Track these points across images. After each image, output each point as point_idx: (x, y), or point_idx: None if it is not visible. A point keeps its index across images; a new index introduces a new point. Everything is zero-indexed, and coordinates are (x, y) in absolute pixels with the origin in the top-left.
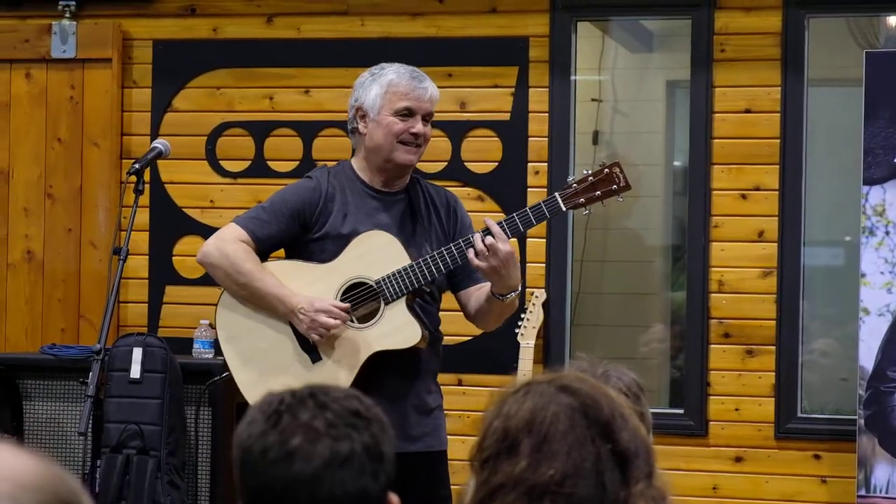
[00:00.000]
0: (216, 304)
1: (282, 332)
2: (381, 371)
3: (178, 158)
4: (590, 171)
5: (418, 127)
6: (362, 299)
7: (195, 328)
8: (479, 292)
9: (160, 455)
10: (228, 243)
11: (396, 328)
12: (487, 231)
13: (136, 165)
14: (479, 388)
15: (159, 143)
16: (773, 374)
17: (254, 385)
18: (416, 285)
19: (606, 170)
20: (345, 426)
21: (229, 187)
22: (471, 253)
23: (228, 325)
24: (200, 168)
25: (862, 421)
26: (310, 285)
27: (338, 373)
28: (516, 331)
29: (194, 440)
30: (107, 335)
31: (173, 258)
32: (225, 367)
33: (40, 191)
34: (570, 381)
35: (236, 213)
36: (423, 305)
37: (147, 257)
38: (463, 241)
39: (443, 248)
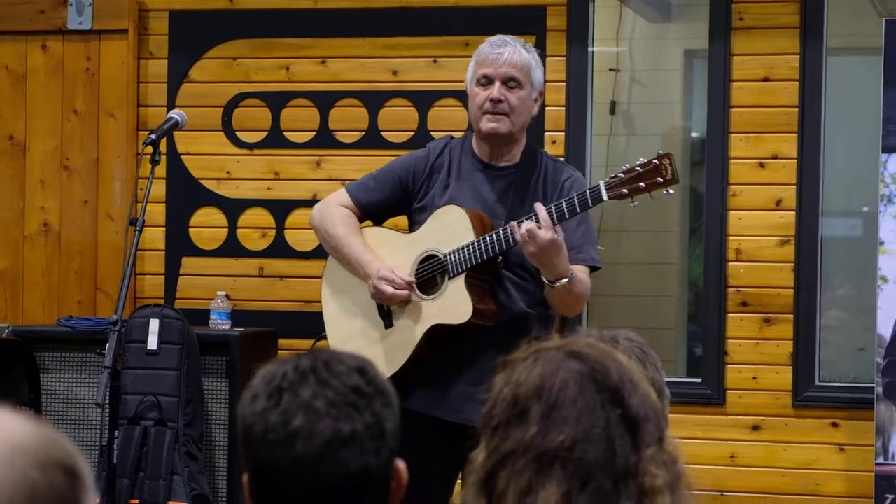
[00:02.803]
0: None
1: (365, 297)
2: (451, 343)
3: (194, 130)
4: (641, 161)
5: (494, 92)
6: (435, 272)
7: (212, 299)
8: None
9: (177, 426)
10: (329, 207)
11: (452, 304)
12: (536, 216)
13: (153, 136)
14: None
15: (175, 114)
16: (791, 342)
17: (340, 346)
18: (476, 262)
19: (655, 161)
20: (346, 405)
21: (245, 158)
22: (517, 236)
23: (326, 288)
24: (217, 139)
25: (880, 389)
26: (393, 254)
27: (402, 342)
28: None
29: (211, 411)
30: (123, 307)
31: (189, 229)
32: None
33: (56, 163)
34: (580, 347)
35: (252, 185)
36: (518, 283)
37: (164, 229)
38: (514, 224)
39: (500, 228)
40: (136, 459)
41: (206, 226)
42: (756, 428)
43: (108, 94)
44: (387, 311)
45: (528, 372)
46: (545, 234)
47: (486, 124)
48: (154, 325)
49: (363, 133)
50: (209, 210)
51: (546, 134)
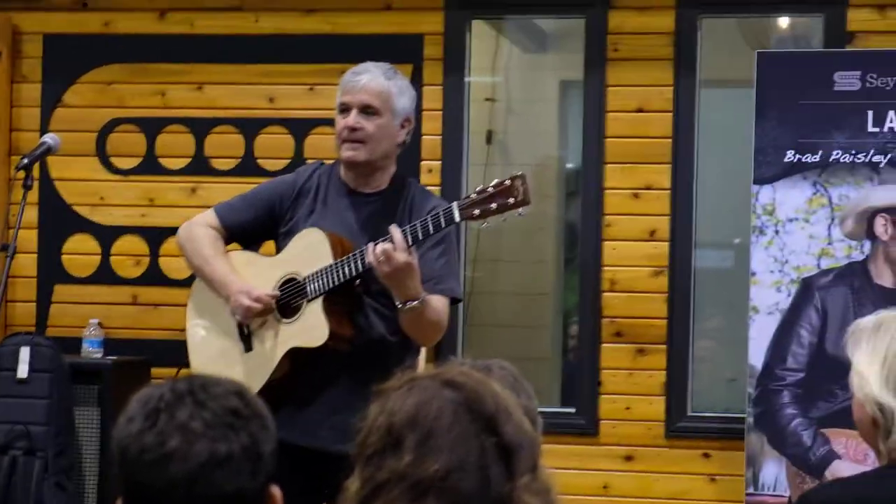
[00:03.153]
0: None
1: (227, 319)
2: (309, 367)
3: (67, 155)
4: (495, 182)
5: (349, 119)
6: (296, 295)
7: (84, 327)
8: None
9: (47, 456)
10: (196, 227)
11: (310, 326)
12: (389, 238)
13: (25, 160)
14: None
15: (48, 138)
16: (664, 372)
17: (201, 369)
18: (333, 284)
19: (508, 181)
20: (223, 426)
21: (119, 184)
22: (369, 256)
23: (191, 310)
24: (90, 165)
25: (751, 419)
26: (256, 276)
27: (261, 365)
28: None
29: (82, 441)
30: None
31: (62, 256)
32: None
33: None
34: (455, 375)
35: (126, 211)
36: (379, 309)
37: (36, 255)
38: (370, 245)
39: (356, 251)
40: (5, 489)
41: (80, 252)
42: (629, 458)
43: None
44: (247, 333)
45: (403, 401)
46: (400, 255)
47: (345, 153)
48: (25, 353)
49: (239, 160)
50: (82, 237)
51: (422, 163)
